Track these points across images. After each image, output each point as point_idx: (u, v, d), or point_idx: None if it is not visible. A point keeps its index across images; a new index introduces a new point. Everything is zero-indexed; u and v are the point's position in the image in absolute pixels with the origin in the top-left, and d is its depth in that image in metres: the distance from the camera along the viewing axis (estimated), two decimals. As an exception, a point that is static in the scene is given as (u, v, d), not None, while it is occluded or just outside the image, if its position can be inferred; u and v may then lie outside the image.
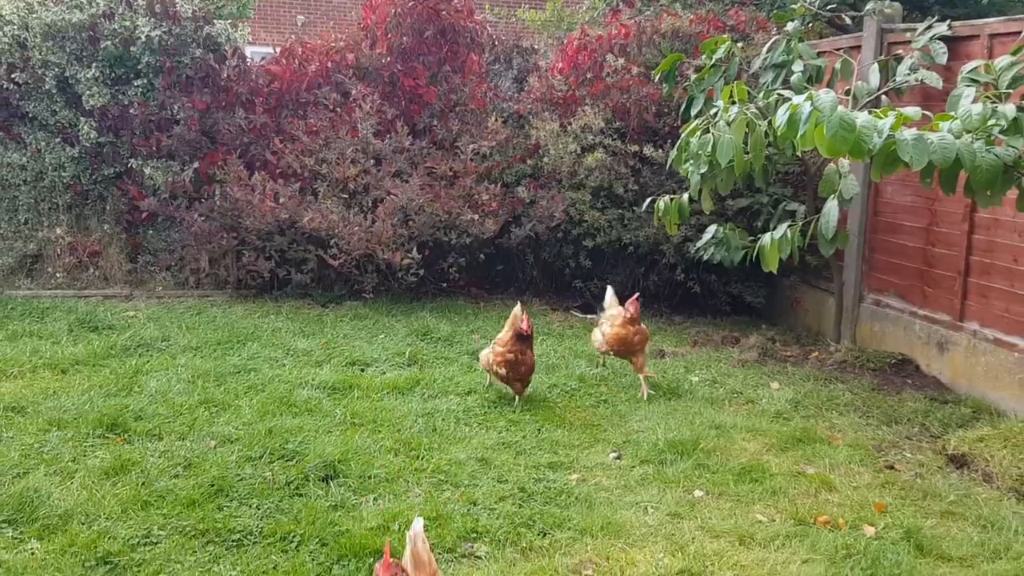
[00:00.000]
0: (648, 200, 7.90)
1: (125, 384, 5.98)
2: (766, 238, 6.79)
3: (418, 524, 2.99)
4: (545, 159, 9.15)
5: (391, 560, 2.84)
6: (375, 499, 4.52)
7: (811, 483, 4.94)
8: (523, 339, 5.99)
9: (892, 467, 5.24)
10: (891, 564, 4.00)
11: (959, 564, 4.13)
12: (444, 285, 9.40)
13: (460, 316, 8.53)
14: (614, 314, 6.66)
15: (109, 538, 3.93)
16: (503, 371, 6.01)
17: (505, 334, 6.10)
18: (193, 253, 9.35)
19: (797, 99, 4.92)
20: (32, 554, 3.78)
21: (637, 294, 6.89)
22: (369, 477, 4.75)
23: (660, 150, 8.81)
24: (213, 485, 4.51)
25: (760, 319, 9.09)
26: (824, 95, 4.71)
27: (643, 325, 6.57)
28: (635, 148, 8.94)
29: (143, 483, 4.53)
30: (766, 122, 6.20)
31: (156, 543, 3.98)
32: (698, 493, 4.80)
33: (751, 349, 7.81)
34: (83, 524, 4.04)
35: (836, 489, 4.88)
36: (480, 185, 8.94)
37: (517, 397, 6.11)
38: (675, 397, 6.43)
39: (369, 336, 7.64)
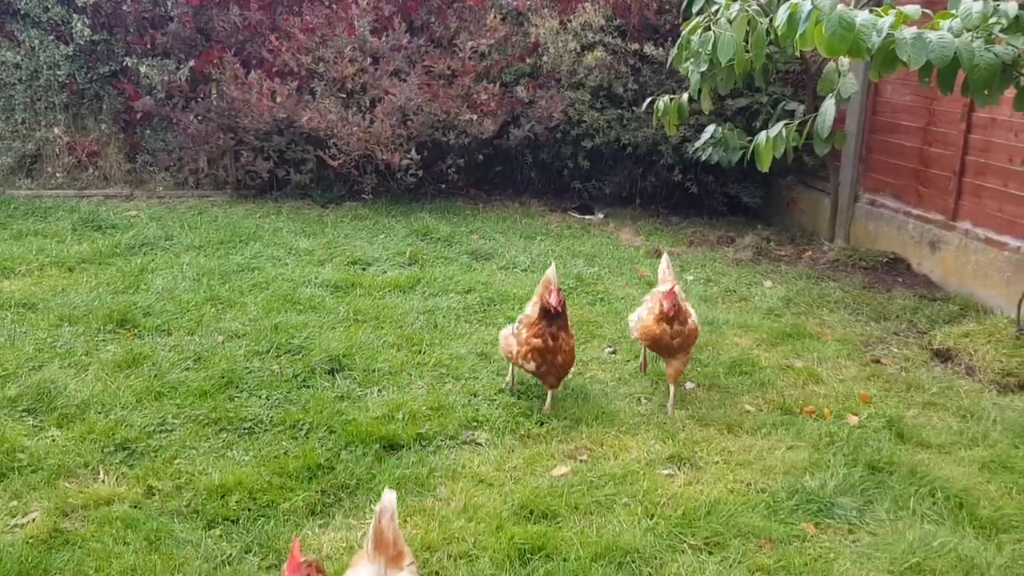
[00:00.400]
0: (648, 100, 7.87)
1: (132, 282, 6.10)
2: (761, 136, 6.79)
3: (388, 497, 2.55)
4: (544, 58, 9.06)
5: (301, 559, 2.37)
6: (379, 391, 4.70)
7: (799, 376, 5.12)
8: (553, 317, 4.40)
9: (878, 361, 5.42)
10: (872, 450, 4.20)
11: (938, 451, 4.34)
12: (443, 186, 9.44)
13: (459, 217, 8.60)
14: (659, 293, 4.75)
15: (126, 426, 4.11)
16: (532, 365, 4.46)
17: (533, 309, 4.53)
18: (191, 154, 9.34)
19: (797, -3, 4.87)
20: (53, 441, 3.97)
21: (673, 285, 4.68)
22: (373, 370, 4.92)
23: (660, 48, 8.72)
24: (223, 377, 4.69)
25: (756, 220, 9.17)
26: (824, -8, 4.67)
27: (692, 322, 4.69)
28: (635, 46, 8.85)
29: (155, 375, 4.70)
30: (767, 20, 6.14)
31: (171, 431, 4.17)
32: (689, 385, 4.98)
33: (746, 249, 7.92)
34: (100, 413, 4.22)
35: (823, 381, 5.07)
36: (479, 84, 8.88)
37: (549, 394, 4.60)
38: (670, 295, 6.56)
39: (370, 236, 7.74)
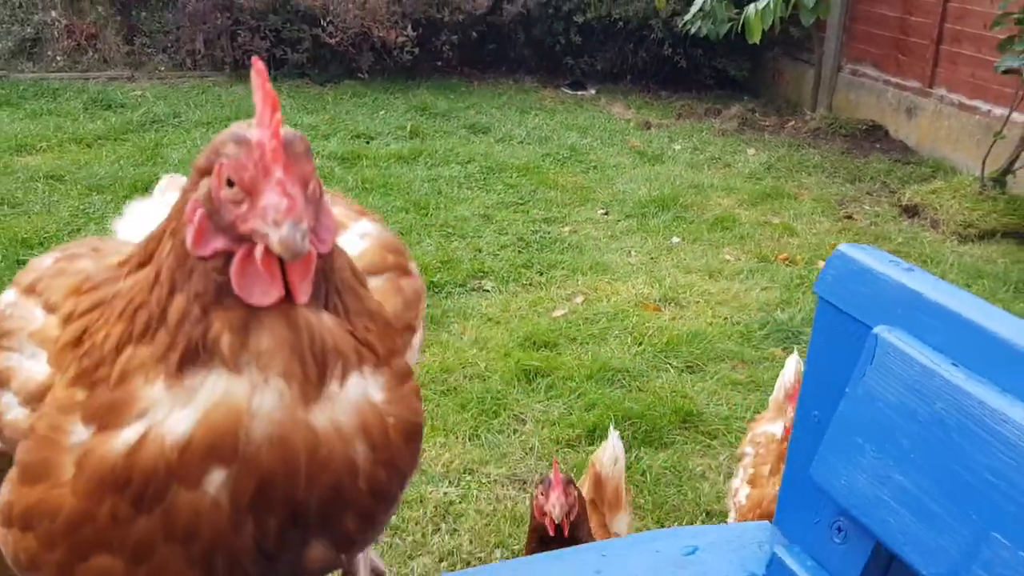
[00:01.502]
0: (637, -28, 8.04)
1: (149, 155, 6.44)
2: (750, 8, 7.04)
3: (614, 441, 2.55)
4: (536, -69, 9.13)
5: (561, 476, 2.22)
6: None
7: (775, 230, 5.57)
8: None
9: (850, 217, 5.86)
10: (838, 291, 4.67)
11: (897, 292, 4.81)
12: (439, 64, 9.64)
13: (455, 93, 8.86)
14: (771, 434, 2.69)
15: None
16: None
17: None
18: (188, 34, 9.47)
19: None
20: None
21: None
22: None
23: (651, -80, 8.80)
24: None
25: (743, 92, 9.44)
26: None
27: None
28: (626, -81, 8.92)
29: (184, 237, 5.10)
30: None
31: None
32: (675, 240, 5.43)
33: (731, 119, 8.24)
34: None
35: (797, 235, 5.52)
36: (471, -41, 8.98)
37: None
38: (658, 163, 6.94)
39: (370, 112, 8.02)
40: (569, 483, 2.23)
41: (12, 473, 1.11)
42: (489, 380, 3.77)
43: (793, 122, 8.25)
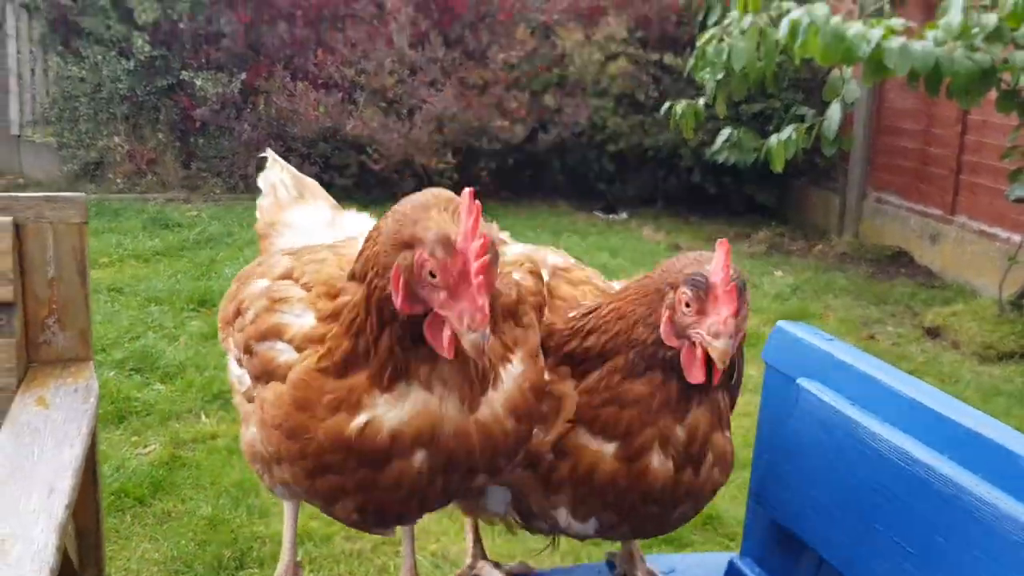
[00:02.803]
0: (666, 105, 8.50)
1: (204, 271, 6.82)
2: (773, 139, 7.41)
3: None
4: (570, 68, 9.72)
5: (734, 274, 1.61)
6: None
7: (802, 349, 5.72)
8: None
9: (873, 337, 6.01)
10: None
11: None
12: (477, 188, 10.06)
13: (492, 215, 9.08)
14: None
15: (220, 381, 4.79)
16: None
17: None
18: (243, 160, 10.06)
19: (796, 12, 5.51)
20: (159, 392, 4.67)
21: None
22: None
23: (680, 58, 9.35)
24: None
25: (772, 218, 9.74)
26: (818, 8, 5.31)
27: None
28: (656, 56, 9.49)
29: (234, 347, 5.38)
30: (777, 31, 6.75)
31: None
32: (703, 356, 5.60)
33: (760, 243, 8.52)
34: (196, 371, 4.91)
35: (823, 354, 5.66)
36: (509, 93, 9.55)
37: None
38: (688, 283, 7.18)
39: (411, 233, 8.40)
40: (746, 291, 1.53)
41: (284, 398, 1.63)
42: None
43: (820, 247, 8.50)
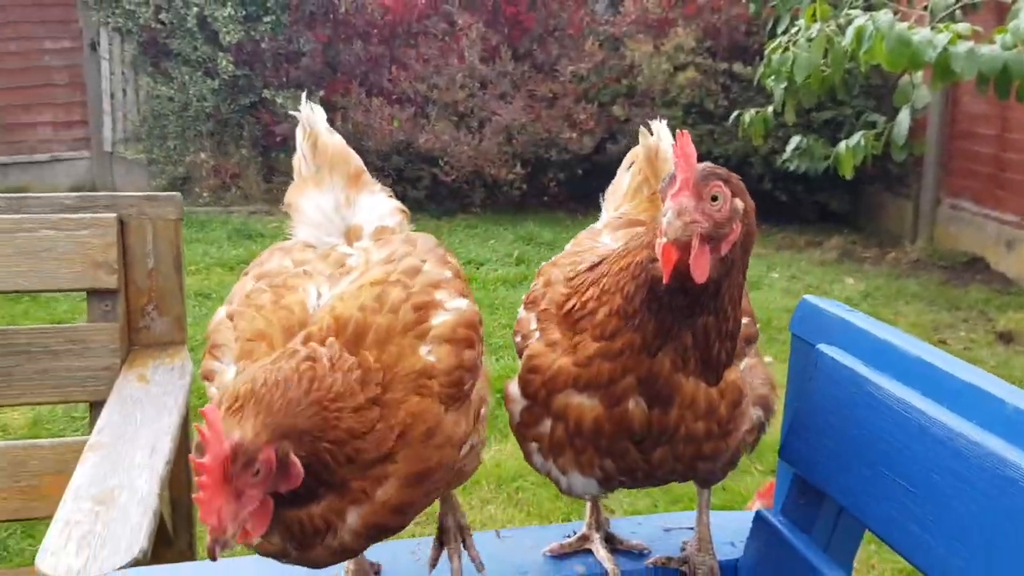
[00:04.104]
0: (734, 114, 8.53)
1: (283, 277, 7.11)
2: (841, 145, 7.38)
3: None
4: (639, 78, 9.82)
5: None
6: (497, 359, 5.53)
7: (869, 353, 5.71)
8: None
9: (944, 341, 5.95)
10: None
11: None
12: (545, 199, 10.27)
13: (560, 225, 9.41)
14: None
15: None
16: None
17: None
18: (321, 173, 10.43)
19: (860, 19, 5.52)
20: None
21: None
22: (490, 344, 5.75)
23: (749, 67, 9.36)
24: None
25: (843, 225, 9.66)
26: (883, 15, 5.31)
27: None
28: (725, 66, 9.52)
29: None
30: (844, 37, 6.76)
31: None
32: (768, 359, 5.63)
33: (831, 251, 8.47)
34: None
35: (891, 358, 5.64)
36: (578, 105, 9.70)
37: None
38: (754, 289, 7.20)
39: (480, 241, 8.62)
40: (713, 178, 1.44)
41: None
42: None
43: (893, 254, 8.40)
